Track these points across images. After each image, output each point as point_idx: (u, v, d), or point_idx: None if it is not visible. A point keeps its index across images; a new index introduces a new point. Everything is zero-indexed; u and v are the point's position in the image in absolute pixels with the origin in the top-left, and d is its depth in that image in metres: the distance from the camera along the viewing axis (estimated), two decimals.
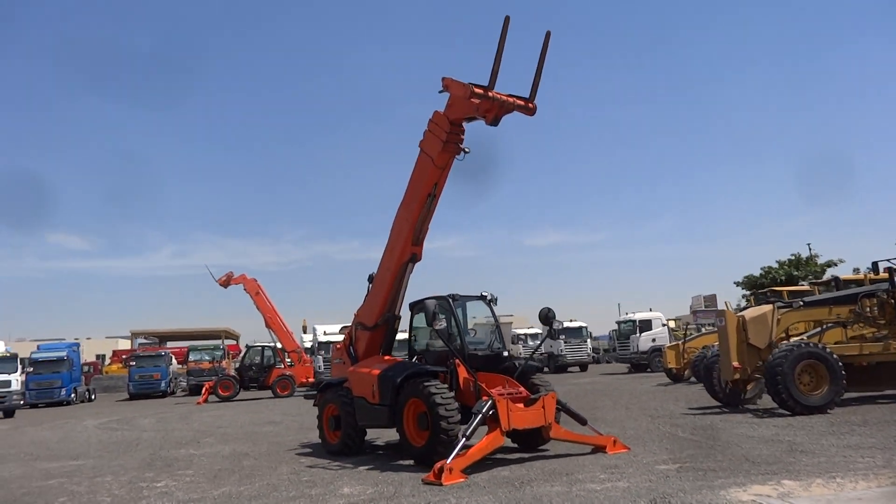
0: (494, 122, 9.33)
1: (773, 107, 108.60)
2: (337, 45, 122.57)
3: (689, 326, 31.16)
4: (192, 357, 36.44)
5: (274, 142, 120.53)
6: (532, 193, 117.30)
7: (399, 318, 11.05)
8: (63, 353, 31.34)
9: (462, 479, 7.31)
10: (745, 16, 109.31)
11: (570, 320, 36.10)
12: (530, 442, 9.25)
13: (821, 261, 32.22)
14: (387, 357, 10.37)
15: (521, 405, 8.44)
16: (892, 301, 12.55)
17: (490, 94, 9.04)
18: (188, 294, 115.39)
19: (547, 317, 9.47)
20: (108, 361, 50.19)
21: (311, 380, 29.15)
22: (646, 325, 31.70)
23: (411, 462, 8.88)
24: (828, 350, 11.70)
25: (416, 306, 10.73)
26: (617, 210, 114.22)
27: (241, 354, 30.49)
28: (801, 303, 12.75)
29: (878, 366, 12.78)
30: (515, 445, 9.36)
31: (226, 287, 29.50)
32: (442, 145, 9.76)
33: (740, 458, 7.78)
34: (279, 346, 29.39)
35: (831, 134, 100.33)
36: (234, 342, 57.57)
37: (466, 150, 9.93)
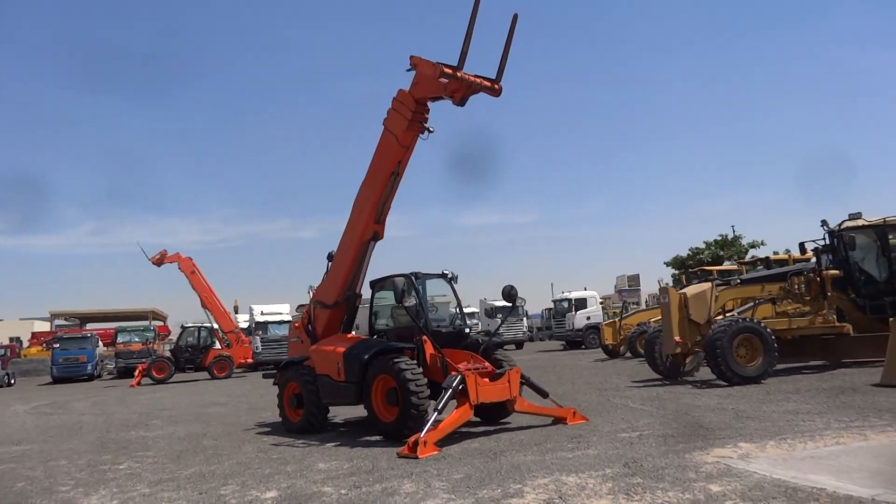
0: (461, 102, 9.45)
1: (699, 90, 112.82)
2: (271, 20, 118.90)
3: (627, 304, 32.39)
4: (120, 338, 35.22)
5: (202, 116, 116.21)
6: (466, 174, 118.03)
7: (360, 296, 11.10)
8: None
9: (436, 452, 7.51)
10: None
11: None
12: (493, 415, 9.54)
13: (745, 242, 34.16)
14: (350, 335, 10.41)
15: (487, 380, 8.70)
16: (818, 279, 13.50)
17: (458, 74, 9.15)
18: (109, 273, 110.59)
19: (510, 294, 9.73)
20: (26, 344, 47.70)
21: (249, 361, 28.79)
22: (581, 303, 32.76)
23: (378, 438, 9.00)
24: (762, 325, 12.52)
25: (379, 284, 10.80)
26: (547, 191, 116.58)
27: (177, 335, 29.68)
28: (739, 280, 13.54)
29: (803, 339, 13.76)
30: (478, 419, 9.62)
31: (159, 266, 28.61)
32: (407, 124, 9.81)
33: (693, 425, 8.31)
34: (216, 326, 28.76)
35: (756, 118, 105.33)
36: (162, 323, 55.80)
37: (431, 129, 10.02)
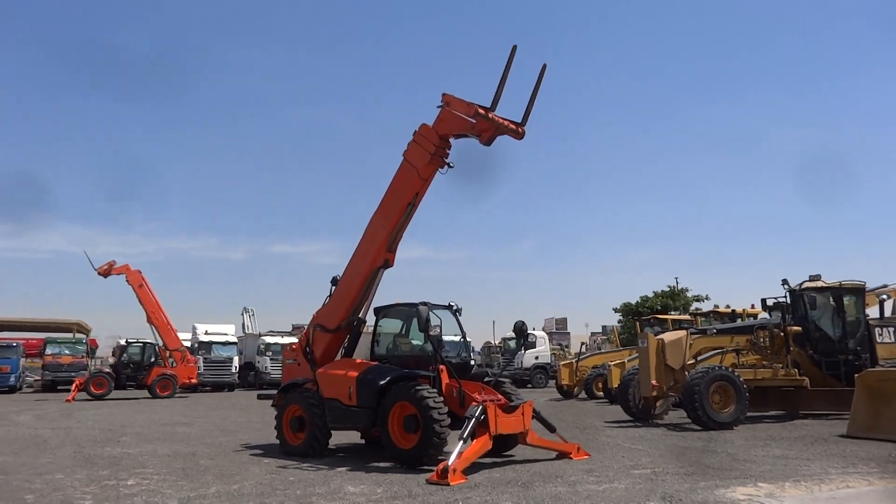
0: (488, 142, 9.84)
1: (634, 147, 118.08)
2: (208, 41, 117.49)
3: (583, 345, 33.22)
4: (49, 350, 33.23)
5: (137, 130, 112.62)
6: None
7: (364, 322, 11.18)
8: None
9: (464, 480, 7.65)
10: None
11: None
12: (499, 447, 9.72)
13: (690, 294, 35.94)
14: (358, 360, 10.43)
15: (503, 412, 8.92)
16: (782, 334, 14.46)
17: (490, 115, 9.55)
18: (19, 282, 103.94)
19: (521, 329, 10.04)
20: None
21: (193, 381, 27.88)
22: (529, 343, 33.29)
23: (387, 464, 9.05)
24: (736, 373, 13.27)
25: (383, 311, 10.92)
26: (482, 230, 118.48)
27: (119, 350, 28.46)
28: (715, 331, 14.33)
29: (764, 389, 14.61)
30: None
31: (105, 276, 27.49)
32: (429, 157, 10.13)
33: (697, 464, 8.76)
34: (160, 343, 27.74)
35: (689, 171, 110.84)
36: (86, 337, 52.97)
37: (451, 164, 10.36)
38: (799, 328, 14.62)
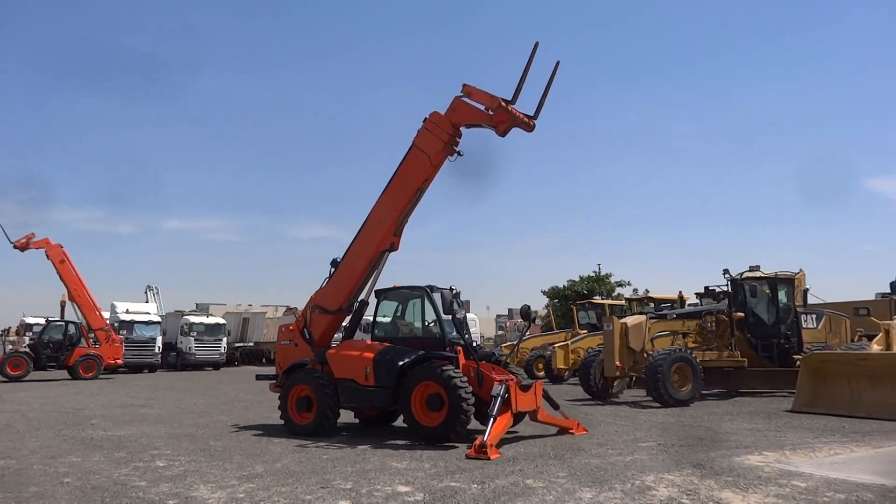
0: (504, 133, 10.25)
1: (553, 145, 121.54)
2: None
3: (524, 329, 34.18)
4: None
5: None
6: (302, 187, 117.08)
7: (367, 303, 11.34)
8: None
9: (499, 455, 8.10)
10: None
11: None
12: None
13: (613, 280, 37.94)
14: (368, 342, 10.58)
15: (520, 390, 9.43)
16: (727, 319, 15.83)
17: (510, 108, 9.95)
18: None
19: (527, 313, 10.56)
20: None
21: (119, 361, 26.66)
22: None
23: (403, 441, 9.36)
24: (693, 355, 14.45)
25: (384, 294, 11.12)
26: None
27: (41, 329, 26.67)
28: (675, 315, 15.48)
29: (710, 369, 15.95)
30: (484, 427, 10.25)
31: (23, 250, 25.57)
32: (443, 145, 10.43)
33: (690, 437, 9.64)
34: (83, 322, 26.25)
35: (612, 169, 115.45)
36: None
37: (461, 152, 10.70)
38: (742, 314, 16.03)
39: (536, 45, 10.03)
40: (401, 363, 9.54)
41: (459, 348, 9.70)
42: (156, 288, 43.92)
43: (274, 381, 11.15)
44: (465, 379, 9.10)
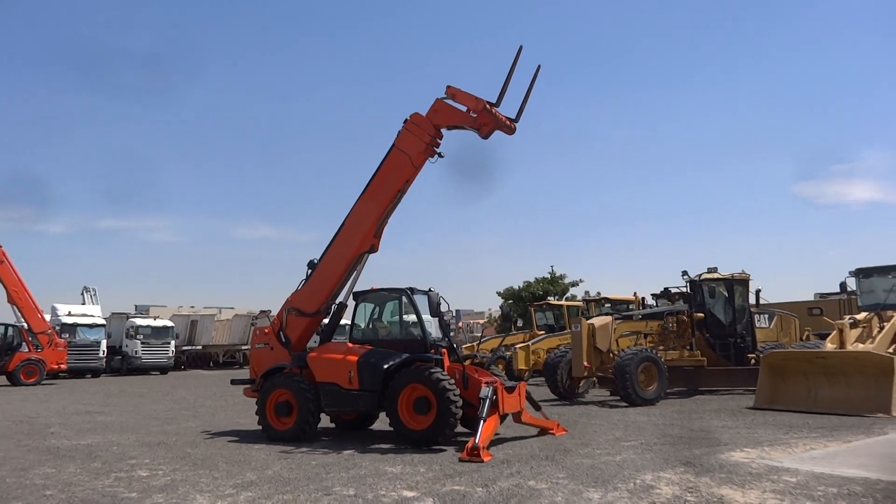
0: (487, 136, 10.29)
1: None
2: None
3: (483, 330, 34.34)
4: None
5: None
6: (245, 186, 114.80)
7: (346, 305, 11.19)
8: None
9: (491, 457, 8.12)
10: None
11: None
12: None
13: (567, 280, 38.50)
14: (350, 344, 10.43)
15: (506, 391, 9.48)
16: (688, 320, 16.32)
17: (494, 111, 10.00)
18: None
19: (508, 315, 10.64)
20: None
21: (63, 366, 25.55)
22: None
23: (387, 444, 9.29)
24: (658, 355, 14.83)
25: (362, 296, 11.01)
26: (334, 213, 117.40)
27: None
28: (641, 316, 15.84)
29: (671, 368, 16.40)
30: (467, 430, 10.27)
31: None
32: (424, 147, 10.40)
33: (667, 436, 9.89)
34: (25, 325, 25.03)
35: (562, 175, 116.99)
36: None
37: (441, 154, 10.69)
38: (702, 315, 16.55)
39: (520, 49, 10.12)
40: (386, 366, 9.45)
41: (444, 350, 9.67)
42: (93, 289, 42.17)
43: (249, 386, 10.88)
44: (453, 381, 9.09)
